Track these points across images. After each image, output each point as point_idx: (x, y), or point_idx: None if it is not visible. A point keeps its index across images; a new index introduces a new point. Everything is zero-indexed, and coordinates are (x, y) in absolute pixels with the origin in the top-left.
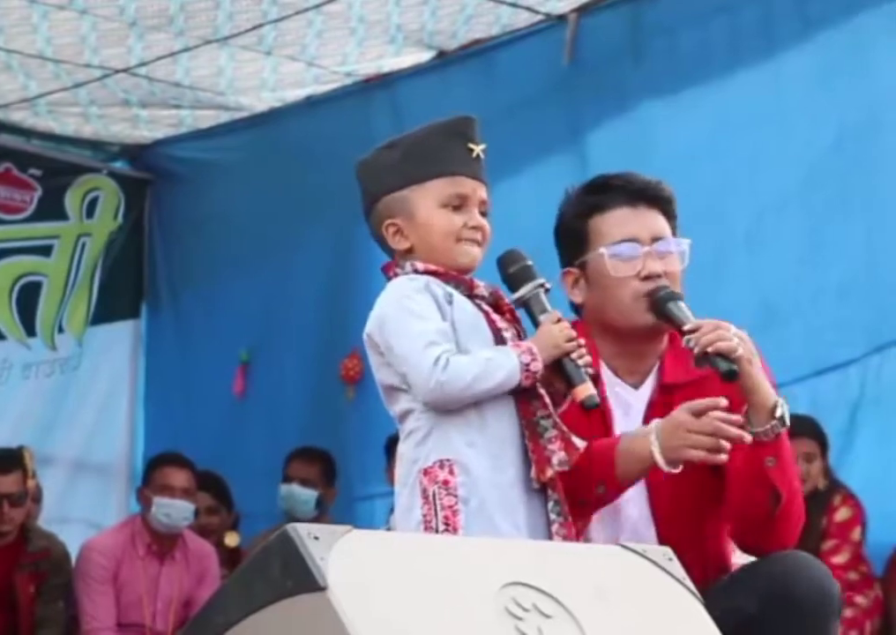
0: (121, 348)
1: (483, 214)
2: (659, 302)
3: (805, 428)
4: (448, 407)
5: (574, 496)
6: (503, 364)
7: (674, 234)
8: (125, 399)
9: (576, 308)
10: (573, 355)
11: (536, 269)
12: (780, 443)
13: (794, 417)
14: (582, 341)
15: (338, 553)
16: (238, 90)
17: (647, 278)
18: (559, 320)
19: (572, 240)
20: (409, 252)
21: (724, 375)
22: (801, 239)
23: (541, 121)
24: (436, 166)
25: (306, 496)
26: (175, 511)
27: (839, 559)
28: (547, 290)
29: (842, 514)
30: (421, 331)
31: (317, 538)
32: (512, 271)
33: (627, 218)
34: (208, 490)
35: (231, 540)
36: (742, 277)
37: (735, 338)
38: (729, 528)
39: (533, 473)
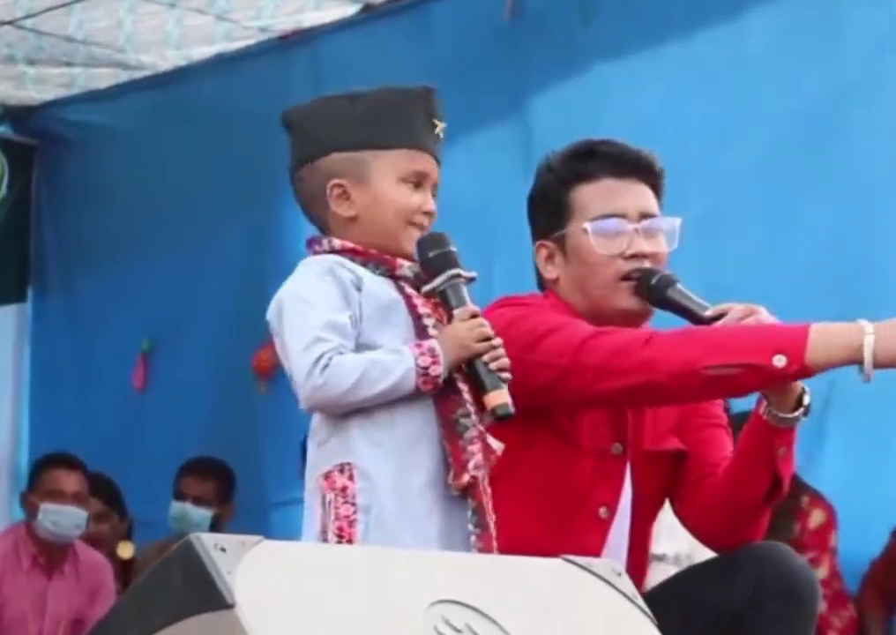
0: (3, 336)
1: (433, 197)
2: (655, 290)
3: None
4: (330, 413)
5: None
6: (392, 368)
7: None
8: (8, 393)
9: (544, 285)
10: (486, 357)
11: (458, 256)
12: (793, 435)
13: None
14: (499, 341)
15: (247, 566)
16: (139, 46)
17: (632, 257)
18: (474, 316)
19: (550, 211)
20: (350, 221)
21: None
22: (762, 220)
23: (479, 84)
24: (403, 134)
25: (199, 516)
26: (64, 518)
27: (820, 574)
28: (471, 280)
29: (816, 519)
30: (308, 324)
31: (223, 549)
32: (430, 257)
33: (614, 190)
34: (98, 495)
35: (125, 551)
36: (697, 261)
37: (771, 320)
38: (701, 518)
39: (450, 478)
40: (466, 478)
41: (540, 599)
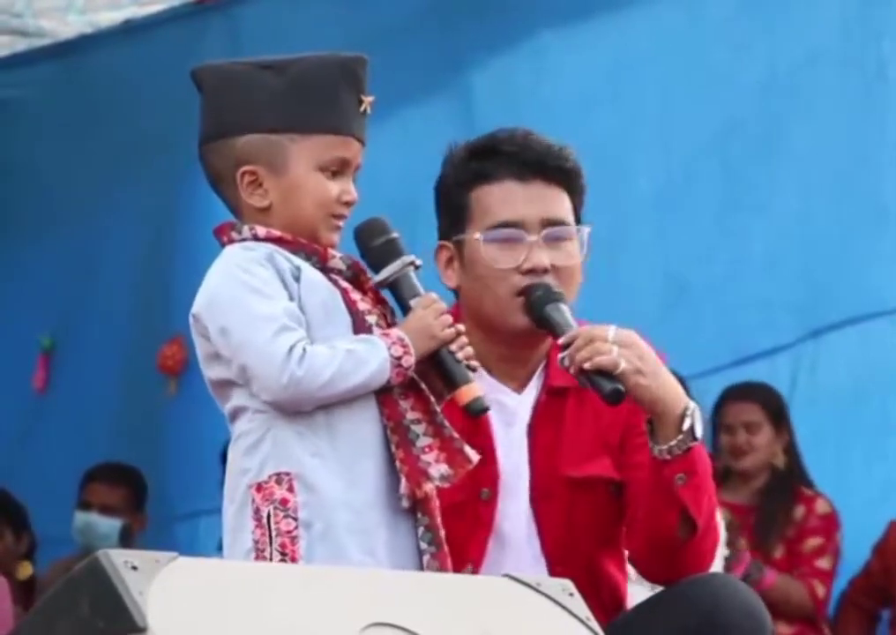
0: None
1: (353, 181)
2: (535, 305)
3: (747, 392)
4: (300, 409)
5: None
6: (368, 359)
7: (577, 214)
8: None
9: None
10: (453, 347)
11: (403, 243)
12: (693, 458)
13: (738, 384)
14: (462, 328)
15: (160, 586)
16: (39, 11)
17: (529, 272)
18: (434, 304)
19: (452, 210)
20: (263, 211)
21: (606, 398)
22: (718, 199)
23: (413, 52)
24: (327, 116)
25: (107, 527)
26: None
27: (825, 563)
28: (417, 268)
29: (822, 507)
30: (269, 313)
31: (135, 568)
32: (375, 245)
33: (514, 195)
34: None
35: (25, 571)
36: (647, 246)
37: (614, 347)
38: (632, 554)
39: (403, 488)
40: (429, 487)
41: (482, 621)
